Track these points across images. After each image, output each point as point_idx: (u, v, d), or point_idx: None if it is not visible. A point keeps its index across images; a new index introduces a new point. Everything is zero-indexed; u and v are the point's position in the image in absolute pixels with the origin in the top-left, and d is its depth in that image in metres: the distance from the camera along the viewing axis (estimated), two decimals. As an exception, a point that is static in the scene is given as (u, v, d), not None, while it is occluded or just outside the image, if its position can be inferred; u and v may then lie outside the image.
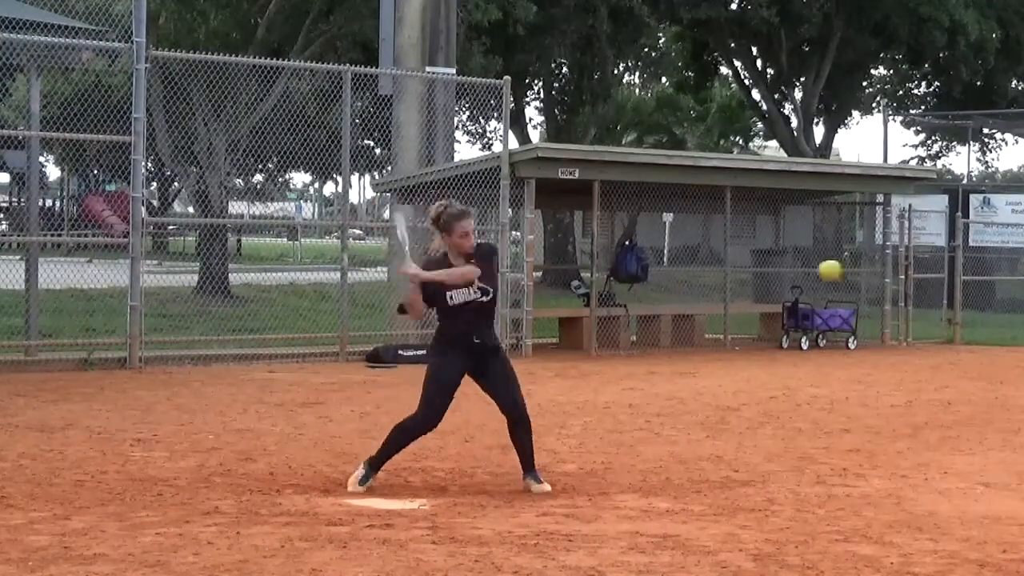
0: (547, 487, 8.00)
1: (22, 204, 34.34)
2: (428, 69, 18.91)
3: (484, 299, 7.86)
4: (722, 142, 53.42)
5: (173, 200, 44.99)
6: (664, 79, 47.84)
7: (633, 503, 7.69)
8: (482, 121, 41.36)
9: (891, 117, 38.54)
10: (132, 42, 15.04)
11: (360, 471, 7.93)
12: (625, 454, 9.54)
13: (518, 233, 20.19)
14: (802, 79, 38.81)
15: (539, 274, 26.40)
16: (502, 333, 17.84)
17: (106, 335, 16.19)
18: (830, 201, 28.37)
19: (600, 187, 18.71)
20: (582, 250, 34.60)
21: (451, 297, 7.83)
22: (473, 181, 18.27)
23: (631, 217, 21.16)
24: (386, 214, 30.75)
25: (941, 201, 30.23)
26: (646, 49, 40.01)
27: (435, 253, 8.01)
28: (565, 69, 36.91)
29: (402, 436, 7.98)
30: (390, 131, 19.39)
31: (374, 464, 7.94)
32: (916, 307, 22.99)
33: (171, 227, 38.94)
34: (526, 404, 8.13)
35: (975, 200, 32.25)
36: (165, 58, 17.24)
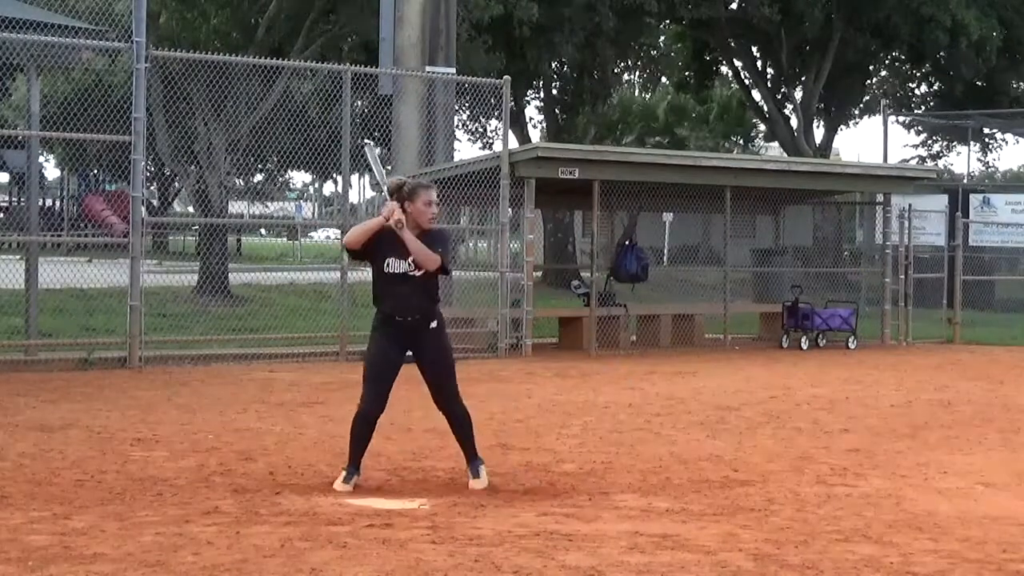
0: (483, 483, 7.96)
1: (22, 204, 34.33)
2: (428, 69, 18.92)
3: (417, 273, 7.79)
4: (724, 143, 53.50)
5: (173, 200, 44.98)
6: (664, 79, 47.91)
7: (633, 503, 7.69)
8: (482, 120, 41.39)
9: (891, 115, 38.55)
10: (132, 42, 15.04)
11: (343, 470, 7.98)
12: (625, 454, 9.54)
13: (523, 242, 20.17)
14: (802, 79, 38.84)
15: (539, 274, 26.40)
16: (502, 333, 17.88)
17: (106, 335, 16.20)
18: (830, 201, 28.39)
19: (600, 187, 18.71)
20: (582, 250, 34.60)
21: (388, 264, 7.82)
22: (473, 181, 18.27)
23: (631, 217, 21.14)
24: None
25: (941, 201, 30.23)
26: (648, 49, 40.00)
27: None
28: (566, 68, 36.92)
29: (356, 427, 7.95)
30: (390, 131, 19.40)
31: (351, 460, 7.95)
32: (916, 307, 22.99)
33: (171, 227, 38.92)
34: (457, 395, 8.03)
35: (975, 200, 32.26)
36: (165, 58, 17.23)
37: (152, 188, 40.42)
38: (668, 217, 35.50)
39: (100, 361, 14.83)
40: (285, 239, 48.39)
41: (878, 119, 60.16)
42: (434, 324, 7.93)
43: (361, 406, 7.96)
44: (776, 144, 45.40)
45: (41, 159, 32.79)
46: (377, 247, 7.83)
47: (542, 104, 40.39)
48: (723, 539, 6.76)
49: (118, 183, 45.02)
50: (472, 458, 8.12)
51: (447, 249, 7.93)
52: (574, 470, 8.81)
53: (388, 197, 7.96)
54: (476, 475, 8.05)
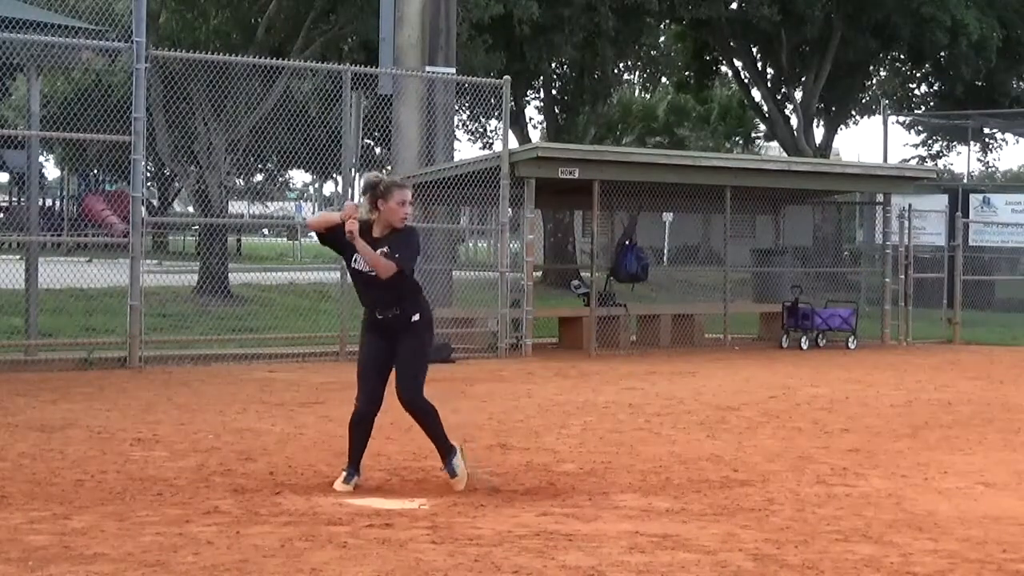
0: (462, 480, 7.92)
1: (22, 204, 34.33)
2: (428, 69, 18.91)
3: (375, 272, 7.74)
4: (724, 144, 53.51)
5: (173, 200, 44.98)
6: (664, 79, 47.96)
7: (633, 503, 7.69)
8: (482, 120, 41.39)
9: (891, 115, 38.55)
10: (132, 42, 15.04)
11: (343, 471, 7.99)
12: (625, 454, 9.53)
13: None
14: (802, 79, 38.84)
15: (539, 274, 26.41)
16: (502, 333, 17.88)
17: (106, 335, 16.19)
18: (830, 201, 28.40)
19: (600, 187, 18.70)
20: (582, 250, 34.62)
21: (356, 259, 7.80)
22: (473, 181, 18.27)
23: (631, 217, 21.15)
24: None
25: (941, 201, 30.25)
26: (648, 50, 40.02)
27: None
28: (566, 68, 36.91)
29: (352, 427, 7.97)
30: (390, 131, 19.40)
31: (351, 461, 7.96)
32: (916, 307, 22.99)
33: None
34: (418, 391, 7.88)
35: (975, 200, 32.28)
36: (165, 58, 17.23)
37: (152, 188, 40.41)
38: (668, 217, 35.53)
39: (100, 361, 14.82)
40: (285, 239, 48.38)
41: (878, 119, 60.20)
42: (416, 317, 7.88)
43: (356, 406, 7.98)
44: (776, 144, 45.41)
45: (41, 159, 32.80)
46: (344, 240, 7.78)
47: (542, 104, 40.38)
48: (723, 539, 6.76)
49: (118, 183, 45.02)
50: (445, 454, 7.99)
51: (412, 251, 7.82)
52: (574, 470, 8.81)
53: (367, 189, 7.90)
54: (453, 474, 7.96)
